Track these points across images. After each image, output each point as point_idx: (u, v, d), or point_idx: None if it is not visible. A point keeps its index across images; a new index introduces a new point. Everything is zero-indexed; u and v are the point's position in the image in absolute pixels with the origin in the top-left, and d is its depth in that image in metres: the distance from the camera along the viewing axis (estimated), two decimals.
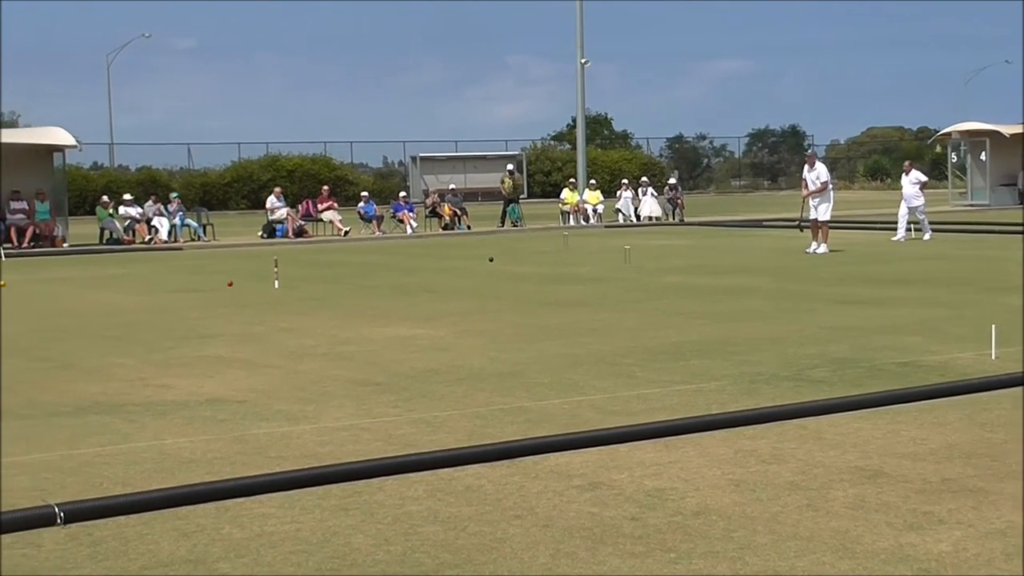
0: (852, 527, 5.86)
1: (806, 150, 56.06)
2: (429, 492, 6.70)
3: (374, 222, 37.60)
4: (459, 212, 38.99)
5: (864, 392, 9.23)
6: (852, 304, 15.33)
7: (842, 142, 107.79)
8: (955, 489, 6.52)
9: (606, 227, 39.77)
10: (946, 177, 57.66)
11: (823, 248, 24.44)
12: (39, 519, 6.12)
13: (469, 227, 38.55)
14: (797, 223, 28.02)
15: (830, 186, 25.47)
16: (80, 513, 6.23)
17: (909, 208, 28.56)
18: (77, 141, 35.31)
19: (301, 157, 68.39)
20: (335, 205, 38.66)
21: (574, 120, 58.42)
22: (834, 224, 26.44)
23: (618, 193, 43.81)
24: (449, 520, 6.16)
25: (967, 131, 49.54)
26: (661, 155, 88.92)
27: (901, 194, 29.07)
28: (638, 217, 41.99)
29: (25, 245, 32.36)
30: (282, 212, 36.59)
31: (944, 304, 15.00)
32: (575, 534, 5.87)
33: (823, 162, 27.32)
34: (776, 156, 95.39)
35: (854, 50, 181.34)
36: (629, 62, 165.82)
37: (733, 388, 9.65)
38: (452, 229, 38.22)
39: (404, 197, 40.54)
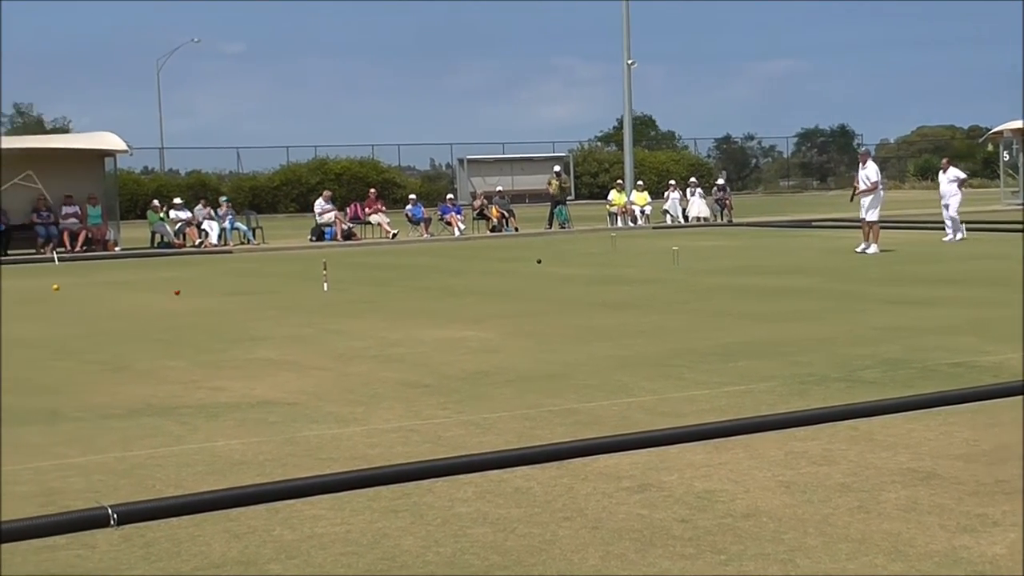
0: (904, 529, 5.82)
1: (857, 149, 55.61)
2: (478, 494, 6.70)
3: (422, 224, 37.70)
4: (506, 214, 39.02)
5: (916, 393, 9.15)
6: (903, 304, 15.22)
7: (892, 141, 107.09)
8: (1009, 491, 6.46)
9: (654, 228, 39.70)
10: (997, 176, 57.11)
11: (873, 248, 24.28)
12: (93, 520, 6.17)
13: (516, 229, 38.56)
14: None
15: (880, 186, 25.29)
16: (133, 515, 6.27)
17: (944, 206, 28.26)
18: (128, 146, 35.63)
19: (349, 160, 68.69)
20: (383, 208, 38.79)
21: (621, 121, 58.30)
22: (884, 224, 26.25)
23: (666, 194, 43.71)
24: (498, 522, 6.16)
25: (1019, 129, 49.03)
26: (709, 156, 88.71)
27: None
28: (686, 218, 41.88)
29: (78, 249, 32.67)
30: (330, 215, 36.75)
31: (997, 304, 14.85)
32: (625, 536, 5.86)
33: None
34: (825, 156, 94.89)
35: (904, 48, 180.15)
36: (676, 63, 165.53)
37: (783, 389, 9.60)
38: (499, 231, 38.26)
39: (451, 199, 40.63)
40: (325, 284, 19.73)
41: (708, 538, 5.78)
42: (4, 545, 5.88)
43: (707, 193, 43.88)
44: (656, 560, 5.48)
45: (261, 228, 37.22)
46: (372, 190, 41.45)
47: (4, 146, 38.31)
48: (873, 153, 44.95)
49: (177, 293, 19.86)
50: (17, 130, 76.65)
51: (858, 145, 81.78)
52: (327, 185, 53.71)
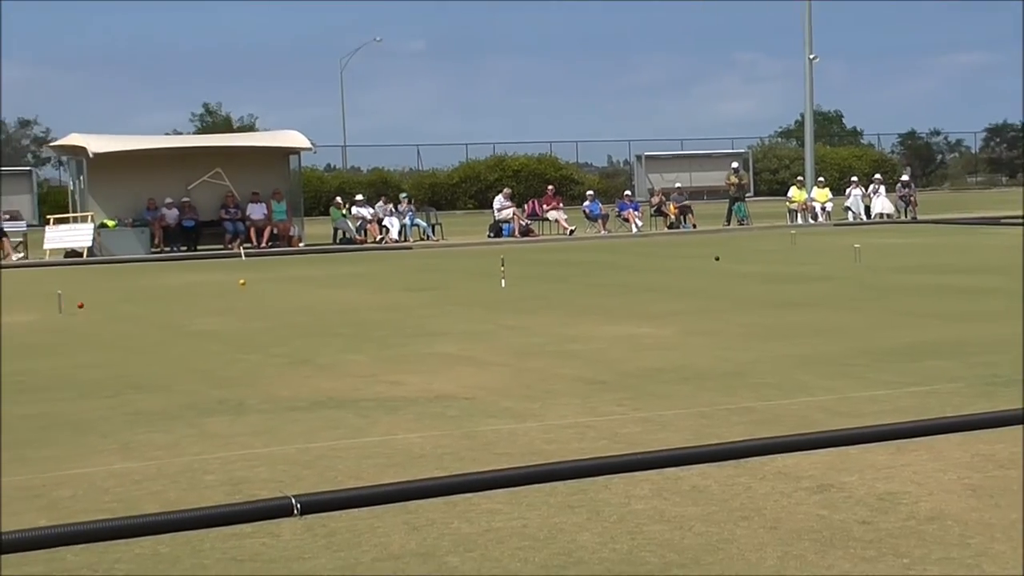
0: None
1: None
2: (655, 491, 6.68)
3: (599, 221, 37.69)
4: (684, 210, 38.77)
5: None
6: None
7: None
8: None
9: (835, 225, 39.02)
10: None
11: None
12: (277, 510, 6.33)
13: (694, 226, 38.31)
14: None
15: None
16: (315, 505, 6.42)
17: None
18: (312, 144, 36.37)
19: (527, 157, 69.03)
20: (560, 204, 38.90)
21: (802, 117, 57.45)
22: None
23: (847, 191, 42.92)
24: (675, 520, 6.13)
25: None
26: (892, 151, 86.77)
27: None
28: (869, 215, 41.07)
29: (263, 245, 33.49)
30: (508, 212, 36.99)
31: None
32: (804, 536, 5.79)
33: None
34: (1015, 151, 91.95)
35: None
36: (859, 57, 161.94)
37: (969, 390, 9.35)
38: (677, 228, 38.05)
39: (629, 196, 40.52)
40: (503, 280, 19.87)
41: (890, 541, 5.67)
42: (196, 532, 6.07)
43: (891, 190, 42.95)
44: (836, 562, 5.40)
45: (440, 224, 37.66)
46: (550, 187, 41.59)
47: (194, 144, 39.54)
48: None
49: (80, 306, 17.85)
50: (207, 129, 78.88)
51: None
52: (505, 182, 54.18)
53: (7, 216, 35.61)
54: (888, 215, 41.03)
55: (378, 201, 37.59)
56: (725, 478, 6.91)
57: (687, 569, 5.37)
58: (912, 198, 41.50)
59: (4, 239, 32.26)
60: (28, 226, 35.27)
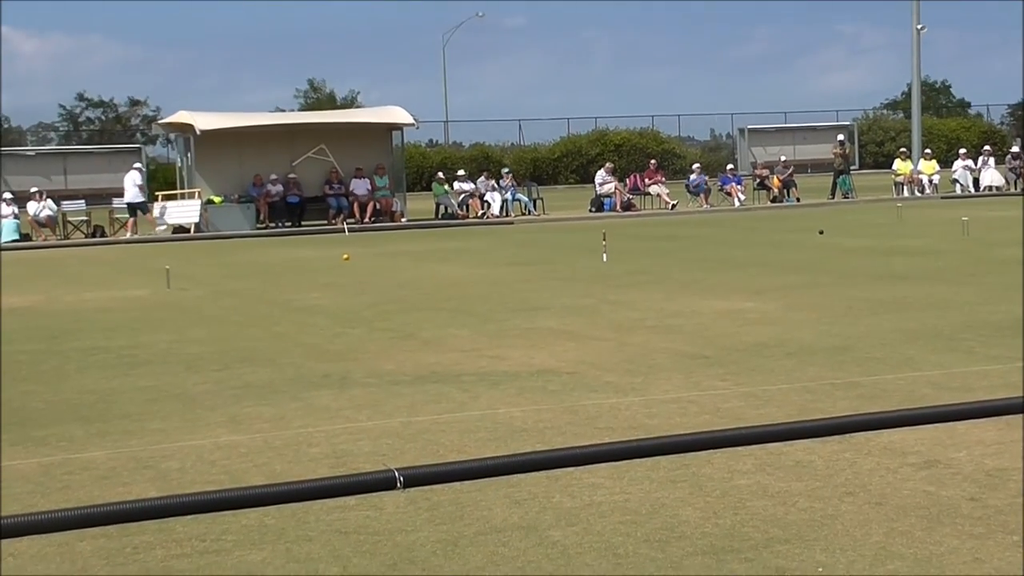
0: None
1: None
2: (758, 466, 6.64)
3: (702, 195, 37.43)
4: (788, 184, 38.36)
5: None
6: None
7: None
8: None
9: (942, 198, 38.37)
10: None
11: None
12: (381, 483, 6.38)
13: (798, 199, 37.88)
14: None
15: None
16: (418, 478, 6.46)
17: None
18: (415, 119, 36.53)
19: (628, 131, 68.66)
20: (662, 179, 38.69)
21: (909, 88, 56.50)
22: None
23: (955, 163, 42.15)
24: (778, 495, 6.09)
25: None
26: (1002, 123, 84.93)
27: None
28: (977, 187, 40.32)
29: (366, 220, 33.73)
30: (610, 186, 36.87)
31: None
32: (910, 513, 5.71)
33: None
34: None
35: None
36: (968, 27, 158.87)
37: None
38: (781, 201, 37.66)
39: (732, 170, 40.17)
40: (604, 255, 19.83)
41: (999, 518, 5.57)
42: (301, 504, 6.15)
43: (1000, 161, 42.09)
44: (943, 538, 5.32)
45: (542, 199, 37.64)
46: (652, 161, 41.36)
47: (298, 121, 39.91)
48: None
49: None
50: (310, 106, 79.53)
51: None
52: (607, 156, 54.00)
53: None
54: (997, 187, 40.22)
55: (480, 176, 37.65)
56: (830, 453, 6.84)
57: (791, 545, 5.33)
58: (1022, 170, 40.65)
59: (135, 216, 32.78)
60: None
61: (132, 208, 33.01)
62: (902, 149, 44.48)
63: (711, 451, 6.92)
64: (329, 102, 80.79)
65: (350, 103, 79.44)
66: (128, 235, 32.08)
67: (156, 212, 32.88)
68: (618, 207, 36.06)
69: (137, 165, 35.27)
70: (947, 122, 74.71)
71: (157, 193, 34.92)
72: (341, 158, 34.70)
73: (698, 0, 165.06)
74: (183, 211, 32.70)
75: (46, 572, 5.37)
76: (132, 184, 33.34)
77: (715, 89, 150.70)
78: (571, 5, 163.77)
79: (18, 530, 5.78)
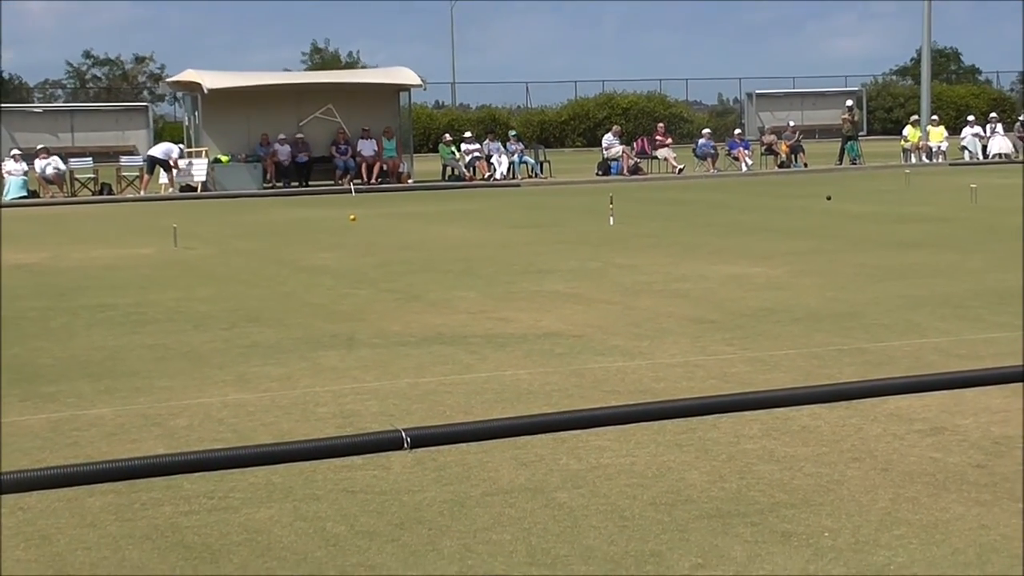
0: None
1: None
2: (764, 431, 6.65)
3: (709, 160, 37.34)
4: (796, 149, 38.26)
5: None
6: None
7: None
8: None
9: (950, 165, 38.27)
10: None
11: None
12: (388, 443, 6.41)
13: (806, 165, 37.77)
14: None
15: None
16: (425, 439, 6.48)
17: None
18: (422, 80, 36.40)
19: (636, 95, 68.42)
20: (670, 142, 38.59)
21: (918, 54, 56.24)
22: None
23: (963, 130, 42.01)
24: (784, 460, 6.10)
25: None
26: (1012, 90, 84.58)
27: None
28: (986, 155, 40.18)
29: (373, 181, 33.68)
30: (617, 150, 36.78)
31: None
32: (916, 479, 5.73)
33: None
34: None
35: None
36: None
37: None
38: (788, 167, 37.57)
39: (739, 134, 40.07)
40: (611, 218, 19.80)
41: (1005, 485, 5.59)
42: (308, 463, 6.17)
43: (1009, 129, 41.94)
44: (949, 505, 5.34)
45: (549, 162, 37.56)
46: (660, 124, 41.25)
47: (306, 81, 39.80)
48: None
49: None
50: (316, 66, 79.35)
51: None
52: (614, 120, 53.78)
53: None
54: (1006, 155, 40.08)
55: (486, 138, 37.56)
56: (836, 419, 6.85)
57: (797, 509, 5.34)
58: None
59: (150, 173, 32.47)
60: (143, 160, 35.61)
61: (155, 163, 32.60)
62: (913, 117, 44.28)
63: (717, 415, 6.94)
64: (334, 62, 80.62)
65: (353, 64, 79.20)
66: (143, 192, 31.91)
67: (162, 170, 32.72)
68: (625, 171, 35.98)
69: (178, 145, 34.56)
70: (956, 88, 74.37)
71: None
72: (348, 118, 34.61)
73: None
74: (190, 170, 32.64)
75: (55, 526, 5.39)
76: (168, 149, 32.83)
77: (724, 53, 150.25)
78: None
79: (27, 485, 5.82)
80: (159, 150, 33.05)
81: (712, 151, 37.65)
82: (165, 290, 13.18)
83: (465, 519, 5.36)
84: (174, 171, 32.21)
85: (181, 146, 33.99)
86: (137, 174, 33.32)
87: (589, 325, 10.21)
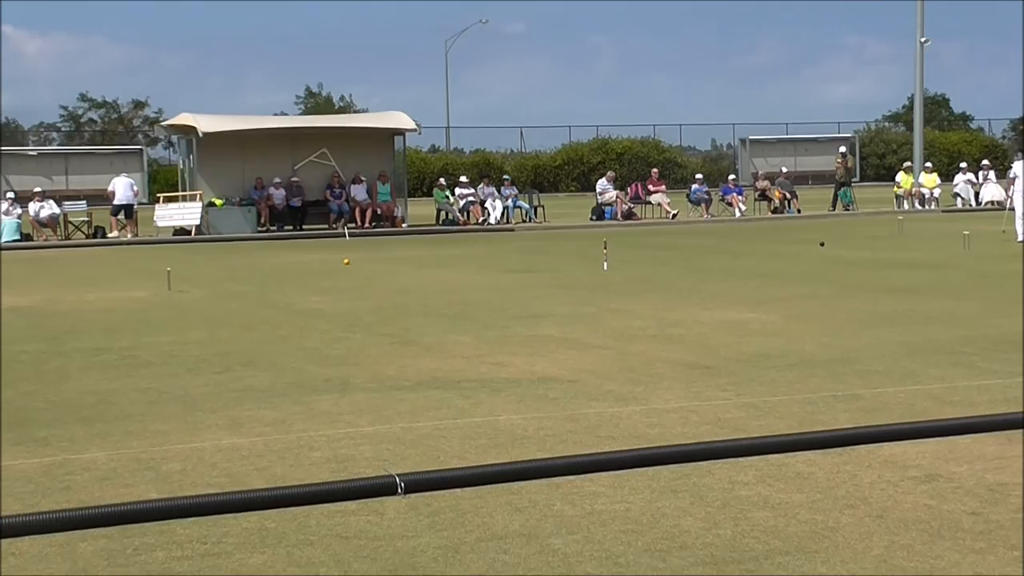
0: None
1: None
2: (759, 477, 6.64)
3: (703, 205, 37.44)
4: (789, 195, 38.38)
5: None
6: None
7: None
8: None
9: (943, 212, 38.40)
10: None
11: None
12: (382, 488, 6.38)
13: (799, 211, 37.91)
14: None
15: None
16: (419, 484, 6.46)
17: None
18: (417, 125, 36.52)
19: (630, 140, 68.72)
20: (664, 188, 38.70)
21: (910, 100, 56.53)
22: None
23: (956, 177, 42.17)
24: (779, 506, 6.09)
25: None
26: (1004, 137, 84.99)
27: None
28: (978, 202, 40.34)
29: (367, 225, 33.74)
30: (611, 195, 36.88)
31: None
32: (911, 526, 5.72)
33: None
34: None
35: None
36: (973, 40, 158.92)
37: None
38: (782, 212, 37.68)
39: (733, 180, 40.19)
40: (605, 263, 19.84)
41: (1000, 532, 5.58)
42: (302, 508, 6.15)
43: (1001, 176, 42.12)
44: (944, 553, 5.33)
45: (543, 207, 37.64)
46: (654, 170, 41.38)
47: (301, 125, 39.92)
48: None
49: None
50: (309, 110, 79.65)
51: None
52: (608, 165, 54.02)
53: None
54: (998, 202, 40.15)
55: (480, 183, 37.65)
56: (831, 466, 6.84)
57: (791, 556, 5.33)
58: None
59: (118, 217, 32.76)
60: (139, 204, 35.66)
61: (118, 209, 32.92)
62: (907, 163, 44.45)
63: (712, 461, 6.93)
64: (327, 106, 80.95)
65: (346, 108, 79.52)
66: (115, 234, 32.05)
67: (157, 213, 32.83)
68: (619, 216, 36.07)
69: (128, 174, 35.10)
70: (949, 135, 74.78)
71: (159, 195, 34.94)
72: (343, 162, 34.72)
73: (701, 8, 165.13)
74: (184, 213, 32.69)
75: (47, 572, 5.37)
76: (126, 187, 33.23)
77: (717, 99, 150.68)
78: (574, 10, 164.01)
79: (20, 530, 5.79)
80: (121, 197, 33.18)
81: (706, 196, 37.77)
82: (159, 334, 13.17)
83: (459, 565, 5.34)
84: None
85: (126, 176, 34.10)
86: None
87: (583, 370, 10.21)
